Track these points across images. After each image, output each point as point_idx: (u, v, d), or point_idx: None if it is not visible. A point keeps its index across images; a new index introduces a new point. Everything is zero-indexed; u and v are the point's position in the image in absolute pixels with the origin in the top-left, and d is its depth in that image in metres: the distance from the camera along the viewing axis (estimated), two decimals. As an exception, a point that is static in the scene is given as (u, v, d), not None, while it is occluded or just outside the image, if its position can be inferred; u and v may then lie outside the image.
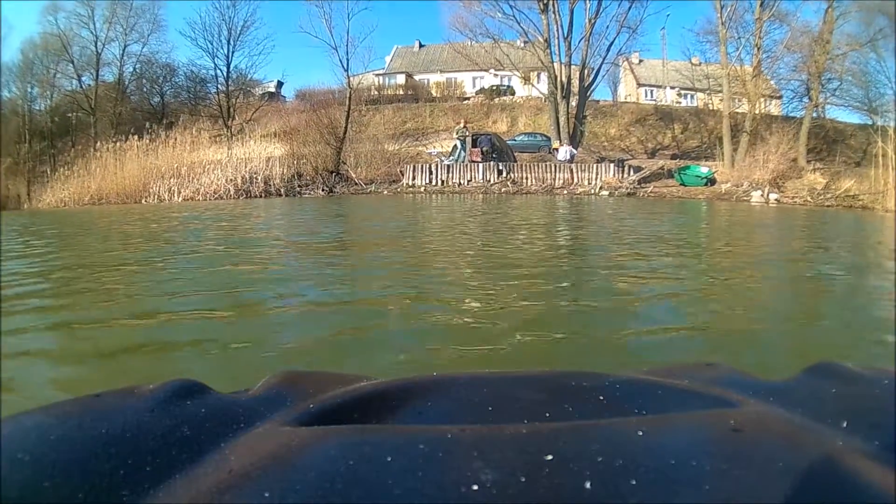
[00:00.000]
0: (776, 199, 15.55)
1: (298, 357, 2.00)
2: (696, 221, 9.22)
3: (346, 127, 21.73)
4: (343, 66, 23.71)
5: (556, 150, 20.60)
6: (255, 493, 0.24)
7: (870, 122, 22.21)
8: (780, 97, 24.94)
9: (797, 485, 0.24)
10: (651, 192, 17.13)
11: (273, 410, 0.36)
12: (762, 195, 15.91)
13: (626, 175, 18.35)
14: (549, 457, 0.26)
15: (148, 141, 19.31)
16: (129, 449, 0.29)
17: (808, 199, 15.29)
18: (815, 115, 21.82)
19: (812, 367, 0.43)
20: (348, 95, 22.94)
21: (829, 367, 0.42)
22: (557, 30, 22.31)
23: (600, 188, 17.52)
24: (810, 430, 0.31)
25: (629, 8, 22.25)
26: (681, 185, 17.91)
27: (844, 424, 0.32)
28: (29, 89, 26.53)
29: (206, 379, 0.39)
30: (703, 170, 18.24)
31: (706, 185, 17.63)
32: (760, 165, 16.96)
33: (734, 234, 7.19)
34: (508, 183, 18.19)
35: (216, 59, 27.12)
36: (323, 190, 18.77)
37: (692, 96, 30.49)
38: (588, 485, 0.24)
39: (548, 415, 0.34)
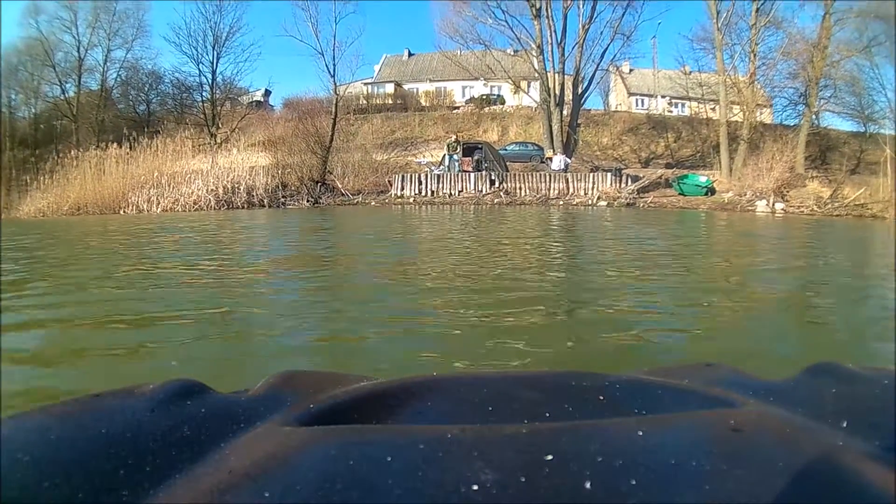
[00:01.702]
0: (782, 209, 15.02)
1: (298, 357, 2.02)
2: (708, 234, 8.60)
3: (332, 135, 20.98)
4: (329, 72, 22.98)
5: (550, 159, 20.01)
6: (255, 493, 0.24)
7: (863, 130, 22.01)
8: (771, 105, 24.62)
9: (797, 485, 0.24)
10: (651, 202, 16.55)
11: (273, 410, 0.36)
12: (768, 205, 15.39)
13: (623, 185, 17.78)
14: (549, 457, 0.26)
15: (128, 149, 18.50)
16: (129, 449, 0.29)
17: (816, 208, 14.76)
18: (812, 123, 21.47)
19: (812, 367, 0.43)
20: (335, 102, 22.17)
21: (829, 367, 0.42)
22: (550, 36, 21.86)
23: (598, 198, 16.92)
24: (810, 430, 0.31)
25: (623, 13, 21.91)
26: (680, 194, 17.39)
27: (844, 424, 0.32)
28: (13, 96, 25.73)
29: (206, 379, 0.39)
30: (702, 179, 17.76)
31: (706, 194, 17.13)
32: (763, 174, 16.41)
33: (753, 247, 6.54)
34: (501, 194, 17.53)
35: (201, 65, 26.44)
36: (308, 201, 18.00)
37: (683, 105, 30.19)
38: (588, 485, 0.24)
39: (548, 415, 0.34)
